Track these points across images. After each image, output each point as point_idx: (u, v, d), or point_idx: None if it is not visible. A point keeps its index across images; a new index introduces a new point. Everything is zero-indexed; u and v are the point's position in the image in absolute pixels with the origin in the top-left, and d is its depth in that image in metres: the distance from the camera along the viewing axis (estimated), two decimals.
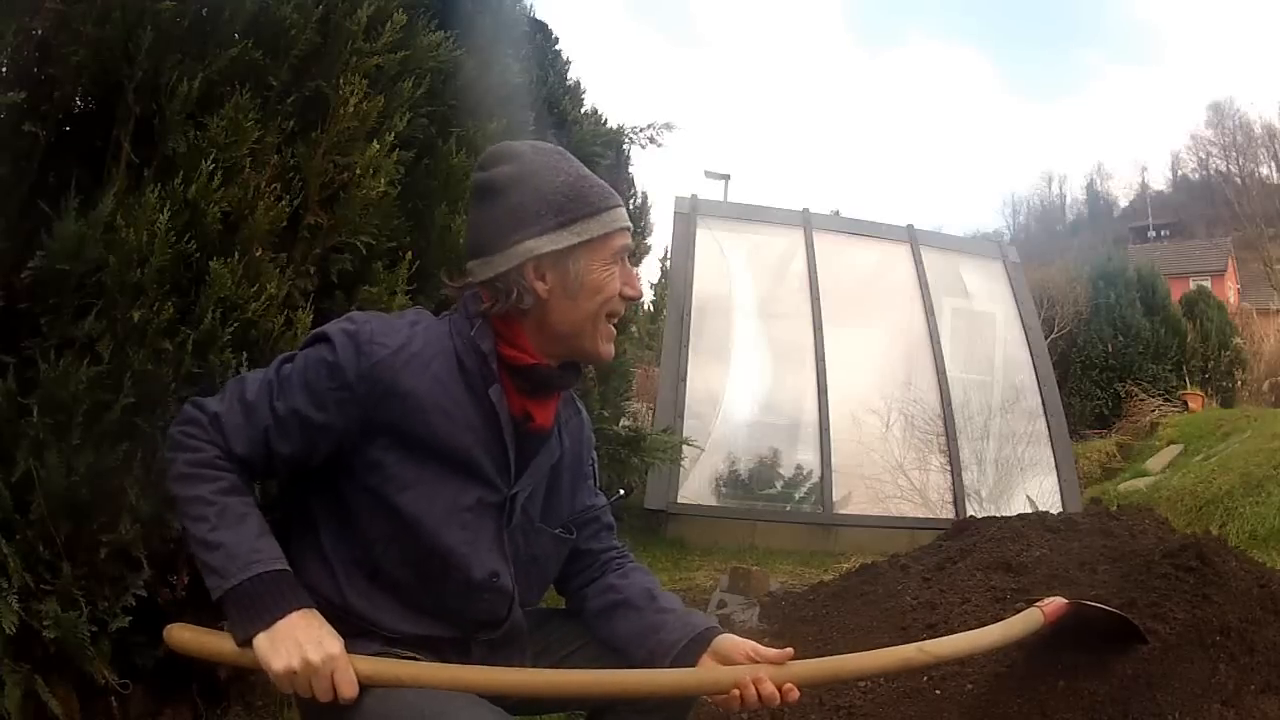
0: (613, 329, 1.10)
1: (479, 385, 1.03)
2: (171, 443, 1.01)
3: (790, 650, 1.06)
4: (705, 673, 1.06)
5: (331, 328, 1.03)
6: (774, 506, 5.48)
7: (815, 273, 5.97)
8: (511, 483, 1.06)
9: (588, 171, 1.09)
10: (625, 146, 3.45)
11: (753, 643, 1.07)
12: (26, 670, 1.26)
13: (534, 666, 1.11)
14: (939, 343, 5.87)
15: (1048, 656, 1.53)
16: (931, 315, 5.98)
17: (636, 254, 4.86)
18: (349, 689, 0.92)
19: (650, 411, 6.27)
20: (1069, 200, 47.14)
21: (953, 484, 5.46)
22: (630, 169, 4.03)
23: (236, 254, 1.44)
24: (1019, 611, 1.35)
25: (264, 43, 1.55)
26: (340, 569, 1.02)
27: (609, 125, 3.26)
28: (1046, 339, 7.36)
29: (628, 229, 1.09)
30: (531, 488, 1.09)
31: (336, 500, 1.03)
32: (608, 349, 1.11)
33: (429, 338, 1.04)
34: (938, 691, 1.67)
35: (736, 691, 1.02)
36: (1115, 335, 9.62)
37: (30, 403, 1.25)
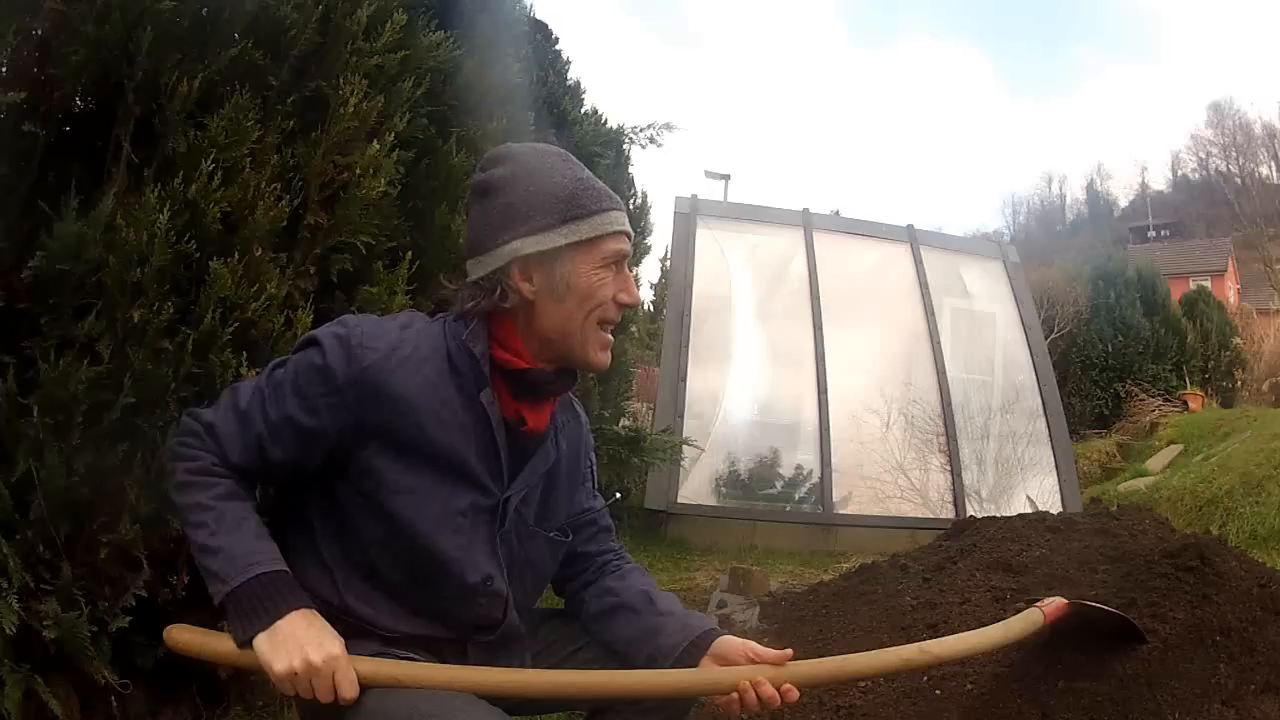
0: (608, 336, 1.07)
1: (471, 388, 1.02)
2: (171, 454, 1.02)
3: (789, 651, 1.05)
4: (705, 674, 1.05)
5: (322, 331, 1.02)
6: (774, 506, 5.48)
7: (815, 273, 5.98)
8: (504, 486, 1.05)
9: (587, 175, 1.07)
10: (625, 146, 3.44)
11: (752, 643, 1.07)
12: (26, 670, 1.26)
13: (534, 667, 1.11)
14: (939, 343, 5.88)
15: (1048, 656, 1.53)
16: (931, 315, 5.98)
17: (636, 254, 4.85)
18: (350, 689, 0.92)
19: (650, 411, 6.27)
20: (1069, 200, 47.27)
21: (953, 484, 5.46)
22: (630, 169, 4.03)
23: (236, 254, 1.44)
24: (1019, 611, 1.35)
25: (264, 43, 1.54)
26: (338, 570, 1.02)
27: (609, 125, 3.26)
28: (1046, 339, 7.36)
29: (623, 233, 1.06)
30: (525, 491, 1.08)
31: (332, 503, 1.03)
32: (600, 357, 1.08)
33: (420, 340, 1.03)
34: (938, 691, 1.67)
35: (736, 694, 1.02)
36: (1115, 335, 9.62)
37: (30, 403, 1.25)
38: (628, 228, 1.07)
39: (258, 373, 1.07)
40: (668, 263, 7.82)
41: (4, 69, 1.35)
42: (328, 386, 0.99)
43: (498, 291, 1.03)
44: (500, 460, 1.04)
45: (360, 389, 0.99)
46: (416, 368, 1.01)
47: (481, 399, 1.02)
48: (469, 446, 1.02)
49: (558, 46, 3.37)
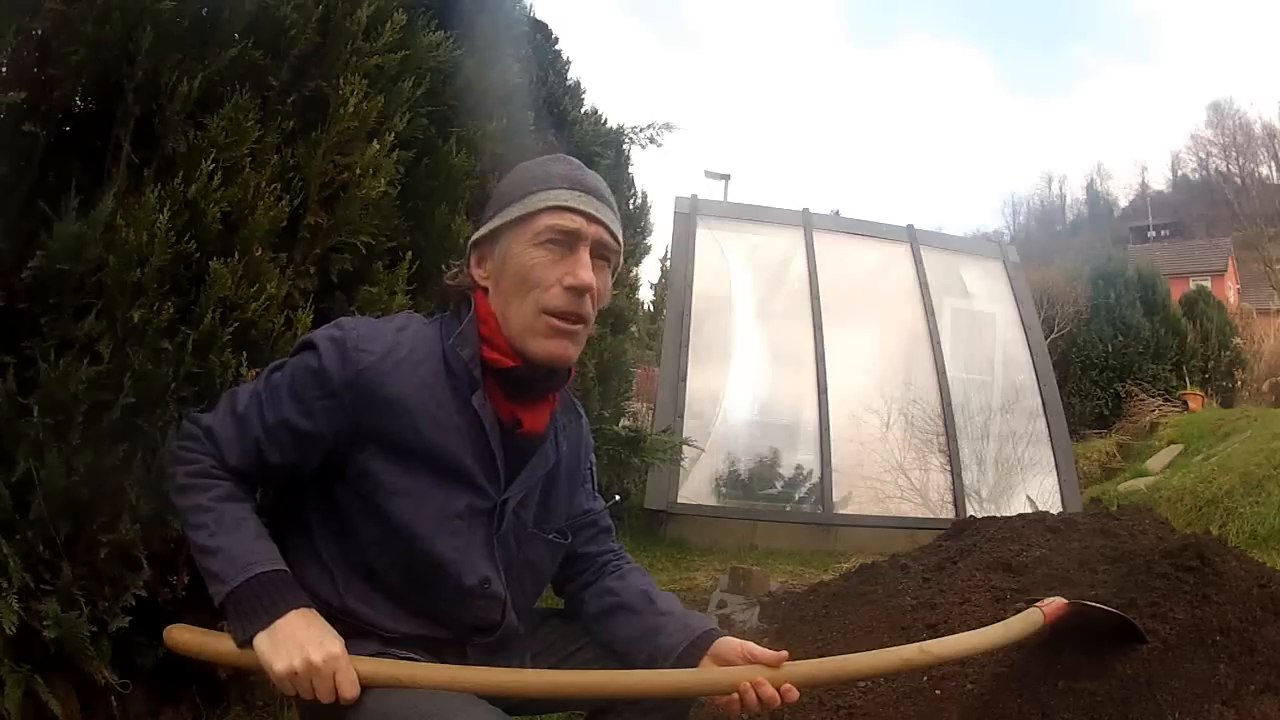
0: (557, 325, 1.00)
1: (465, 390, 1.02)
2: (171, 457, 1.02)
3: (785, 653, 1.05)
4: (705, 674, 1.05)
5: (318, 334, 1.02)
6: (774, 506, 5.48)
7: (815, 273, 5.98)
8: (502, 489, 1.05)
9: (560, 168, 1.04)
10: (625, 146, 3.44)
11: (750, 643, 1.07)
12: (26, 670, 1.26)
13: (533, 667, 1.11)
14: (939, 343, 5.88)
15: (1048, 656, 1.53)
16: (931, 315, 5.99)
17: (636, 254, 4.84)
18: (350, 689, 0.92)
19: (650, 411, 6.27)
20: (1069, 200, 47.33)
21: (953, 484, 5.46)
22: (630, 169, 4.03)
23: (236, 254, 1.44)
24: (1019, 611, 1.35)
25: (264, 43, 1.54)
26: (337, 571, 1.02)
27: (609, 125, 3.26)
28: (1046, 339, 7.37)
29: (568, 210, 0.99)
30: (524, 493, 1.08)
31: (331, 504, 1.03)
32: (541, 347, 1.00)
33: (416, 342, 1.03)
34: (938, 691, 1.67)
35: (736, 694, 1.02)
36: (1115, 335, 9.63)
37: (30, 403, 1.25)
38: (582, 206, 1.00)
39: (257, 374, 1.08)
40: (668, 263, 7.83)
41: (4, 69, 1.35)
42: (324, 390, 0.99)
43: (455, 275, 1.07)
44: (496, 463, 1.04)
45: (356, 392, 0.98)
46: (413, 370, 1.01)
47: (473, 402, 1.02)
48: (465, 449, 1.02)
49: (558, 46, 3.37)
